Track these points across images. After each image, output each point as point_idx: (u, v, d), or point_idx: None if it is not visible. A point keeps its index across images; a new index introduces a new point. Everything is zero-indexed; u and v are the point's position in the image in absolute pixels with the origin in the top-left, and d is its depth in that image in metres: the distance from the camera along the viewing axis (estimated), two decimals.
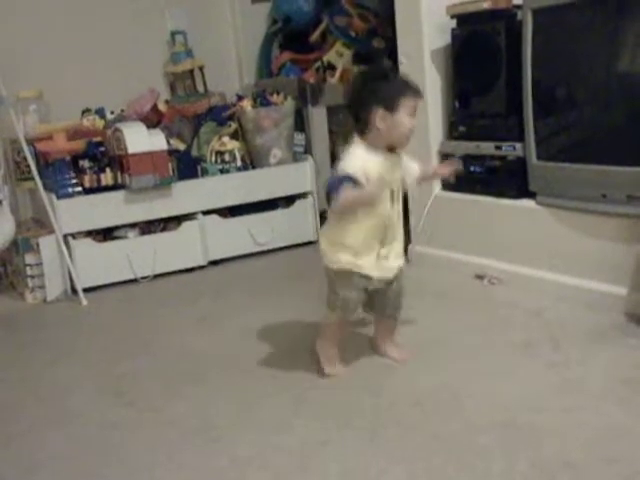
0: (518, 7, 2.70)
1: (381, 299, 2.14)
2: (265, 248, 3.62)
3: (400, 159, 2.07)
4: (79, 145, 3.32)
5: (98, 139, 3.37)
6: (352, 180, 1.91)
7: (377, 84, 1.98)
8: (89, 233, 3.29)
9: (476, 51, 2.93)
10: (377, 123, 1.95)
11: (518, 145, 2.76)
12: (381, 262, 2.05)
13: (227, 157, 3.63)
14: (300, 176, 3.74)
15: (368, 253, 2.02)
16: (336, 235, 2.05)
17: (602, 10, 2.37)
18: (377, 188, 1.92)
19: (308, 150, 3.84)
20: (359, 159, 1.96)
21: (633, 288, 2.34)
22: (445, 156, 3.09)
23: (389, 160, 2.01)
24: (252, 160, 3.72)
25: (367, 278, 2.05)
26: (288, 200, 3.74)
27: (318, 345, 2.17)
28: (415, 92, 1.99)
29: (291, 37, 4.24)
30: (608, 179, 2.37)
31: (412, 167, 2.16)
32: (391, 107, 1.93)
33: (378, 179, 1.93)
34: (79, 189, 3.25)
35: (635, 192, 2.29)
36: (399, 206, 2.08)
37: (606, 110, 2.43)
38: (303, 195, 3.75)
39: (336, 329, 2.15)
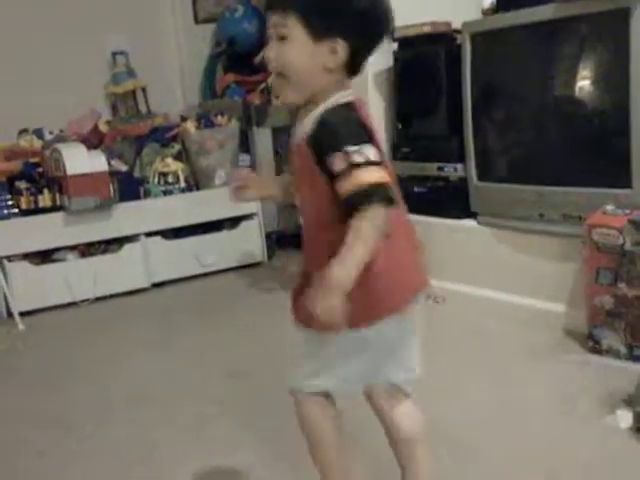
0: (458, 31, 2.76)
1: None
2: (210, 270, 3.58)
3: None
4: (15, 166, 3.25)
5: (35, 160, 3.30)
6: None
7: None
8: (26, 256, 3.20)
9: (417, 74, 2.98)
10: None
11: (459, 166, 2.81)
12: None
13: (170, 178, 3.59)
14: None
15: None
16: None
17: (536, 35, 2.44)
18: None
19: (253, 171, 3.83)
20: None
21: (571, 305, 2.39)
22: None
23: None
24: (196, 181, 3.68)
25: None
26: (233, 221, 3.71)
27: None
28: None
29: (235, 59, 4.24)
30: (545, 199, 2.43)
31: None
32: None
33: None
34: (15, 211, 3.17)
35: (570, 212, 2.35)
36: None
37: (542, 132, 2.49)
38: (248, 216, 3.72)
39: None
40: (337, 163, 1.13)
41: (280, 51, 1.19)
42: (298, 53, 1.17)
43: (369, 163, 1.12)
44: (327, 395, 1.32)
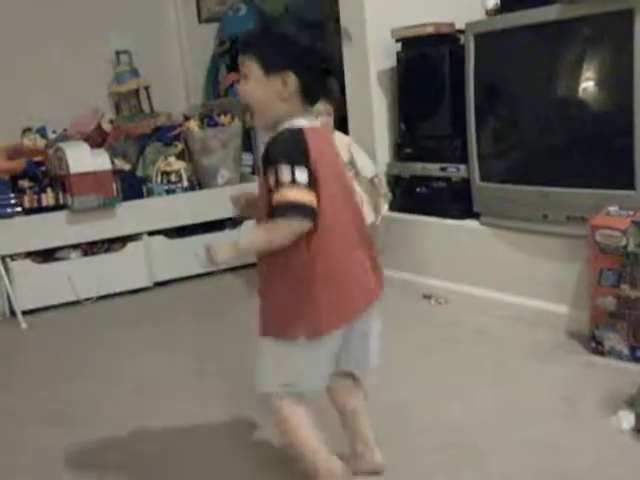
0: (461, 32, 2.76)
1: None
2: (212, 269, 3.58)
3: None
4: (19, 165, 3.24)
5: (39, 158, 3.31)
6: None
7: None
8: (29, 254, 3.21)
9: (421, 74, 2.98)
10: None
11: (462, 167, 2.80)
12: None
13: (173, 177, 3.60)
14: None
15: None
16: None
17: (540, 36, 2.43)
18: None
19: (256, 170, 3.83)
20: None
21: (574, 306, 2.39)
22: (393, 177, 3.12)
23: None
24: (199, 180, 3.69)
25: None
26: (236, 221, 3.71)
27: None
28: None
29: (238, 58, 4.24)
30: (548, 200, 2.43)
31: None
32: None
33: None
34: (19, 209, 3.18)
35: (574, 213, 2.34)
36: None
37: (545, 133, 2.49)
38: (251, 216, 3.72)
39: None
40: (271, 177, 1.37)
41: (244, 86, 1.47)
42: (256, 87, 1.45)
43: (293, 183, 1.34)
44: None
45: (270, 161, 1.38)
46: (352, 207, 1.50)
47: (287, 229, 1.36)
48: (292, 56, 1.44)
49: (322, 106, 2.41)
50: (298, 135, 1.40)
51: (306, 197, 1.35)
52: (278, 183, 1.34)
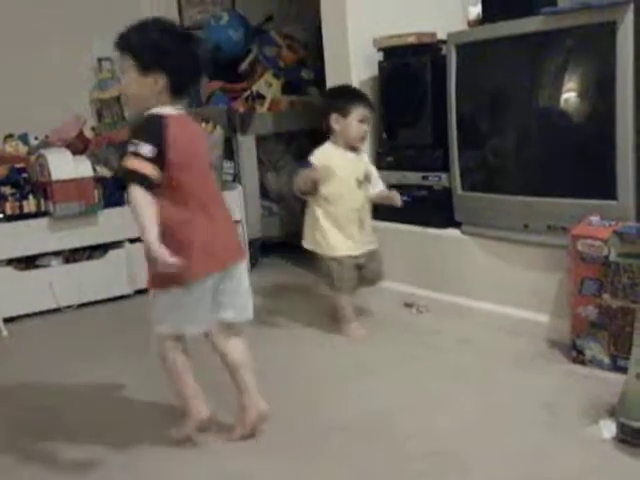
0: (443, 42, 2.79)
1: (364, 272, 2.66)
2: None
3: (361, 156, 2.67)
4: (0, 171, 3.23)
5: (21, 165, 3.29)
6: (312, 166, 2.50)
7: (334, 96, 2.69)
8: (10, 261, 3.18)
9: (403, 83, 3.00)
10: (333, 125, 2.56)
11: (444, 175, 2.83)
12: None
13: None
14: (229, 204, 3.70)
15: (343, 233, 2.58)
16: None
17: (523, 46, 2.47)
18: (315, 172, 2.42)
19: (237, 179, 3.83)
20: (321, 152, 2.58)
21: (555, 315, 2.42)
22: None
23: (349, 155, 2.62)
24: None
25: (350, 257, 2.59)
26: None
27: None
28: (364, 103, 2.60)
29: (220, 66, 4.25)
30: (530, 210, 2.46)
31: (377, 183, 2.72)
32: (343, 113, 2.56)
33: (322, 167, 2.49)
34: (0, 216, 3.15)
35: (555, 222, 2.37)
36: (365, 192, 2.65)
37: (527, 143, 2.52)
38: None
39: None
40: (127, 149, 1.65)
41: (123, 81, 1.74)
42: (132, 83, 1.73)
43: (136, 155, 1.61)
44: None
45: (129, 137, 1.67)
46: (209, 184, 1.81)
47: (134, 194, 1.62)
48: (164, 59, 1.70)
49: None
50: (155, 119, 1.68)
51: (143, 167, 1.61)
52: (126, 153, 1.63)
